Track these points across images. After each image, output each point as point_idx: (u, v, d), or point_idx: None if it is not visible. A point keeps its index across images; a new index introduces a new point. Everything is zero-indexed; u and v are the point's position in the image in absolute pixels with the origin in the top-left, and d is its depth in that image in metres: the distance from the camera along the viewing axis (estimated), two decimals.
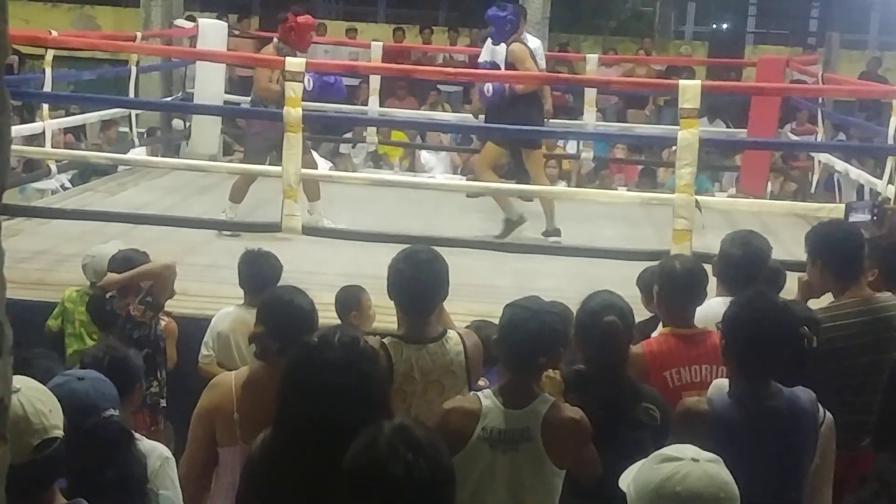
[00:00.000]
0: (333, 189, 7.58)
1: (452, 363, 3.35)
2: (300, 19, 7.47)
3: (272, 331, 3.29)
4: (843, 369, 3.68)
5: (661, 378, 3.54)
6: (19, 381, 2.16)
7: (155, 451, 3.03)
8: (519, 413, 3.03)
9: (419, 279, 3.33)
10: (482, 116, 8.80)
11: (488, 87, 7.23)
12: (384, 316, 4.26)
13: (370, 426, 2.12)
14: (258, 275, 4.61)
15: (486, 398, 3.06)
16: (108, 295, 4.59)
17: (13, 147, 7.51)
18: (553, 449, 3.02)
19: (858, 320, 3.74)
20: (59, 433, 2.29)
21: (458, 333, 3.45)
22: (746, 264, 3.81)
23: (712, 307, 3.64)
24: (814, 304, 3.95)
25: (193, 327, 4.85)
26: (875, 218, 3.70)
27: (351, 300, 4.59)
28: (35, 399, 2.29)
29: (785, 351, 3.11)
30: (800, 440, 3.04)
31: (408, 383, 3.29)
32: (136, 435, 3.00)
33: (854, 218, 3.80)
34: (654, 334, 3.76)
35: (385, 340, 3.33)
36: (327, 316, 4.72)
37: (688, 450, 2.10)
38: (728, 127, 12.07)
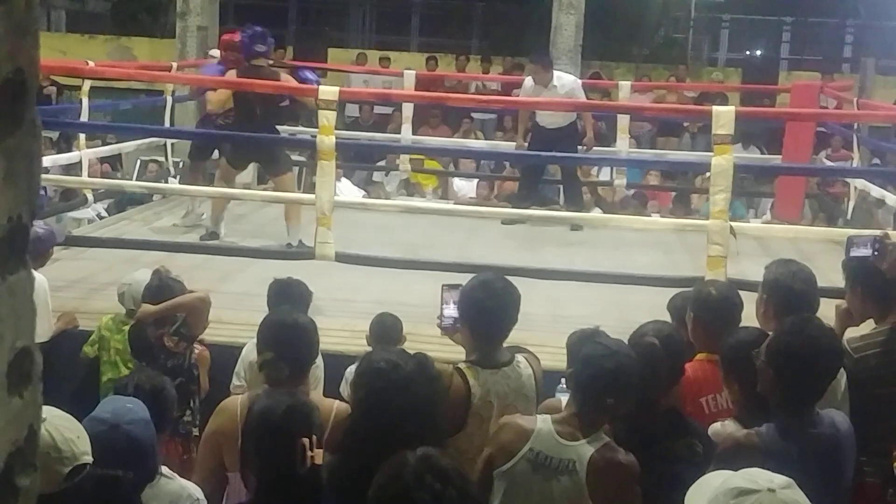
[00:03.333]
0: (366, 217, 7.61)
1: (524, 386, 3.40)
2: (226, 36, 7.91)
3: (283, 355, 3.28)
4: (887, 395, 3.63)
5: (697, 405, 3.53)
6: (44, 410, 2.13)
7: (185, 490, 2.99)
8: (569, 445, 3.02)
9: (496, 306, 3.39)
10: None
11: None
12: (414, 344, 4.24)
13: (395, 456, 2.12)
14: (288, 303, 4.60)
15: (543, 422, 3.07)
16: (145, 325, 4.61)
17: (51, 177, 7.64)
18: (595, 490, 2.99)
19: None
20: (89, 458, 2.26)
21: (525, 357, 3.50)
22: (803, 293, 3.72)
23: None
24: (855, 330, 3.89)
25: (227, 355, 4.85)
26: (876, 253, 3.64)
27: (389, 329, 4.59)
28: (63, 427, 2.26)
29: (832, 377, 3.07)
30: (844, 462, 3.02)
31: (485, 408, 3.32)
32: (168, 473, 2.96)
33: (855, 253, 3.75)
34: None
35: (461, 366, 3.36)
36: (360, 343, 4.73)
37: (759, 477, 2.05)
38: (762, 153, 12.01)
